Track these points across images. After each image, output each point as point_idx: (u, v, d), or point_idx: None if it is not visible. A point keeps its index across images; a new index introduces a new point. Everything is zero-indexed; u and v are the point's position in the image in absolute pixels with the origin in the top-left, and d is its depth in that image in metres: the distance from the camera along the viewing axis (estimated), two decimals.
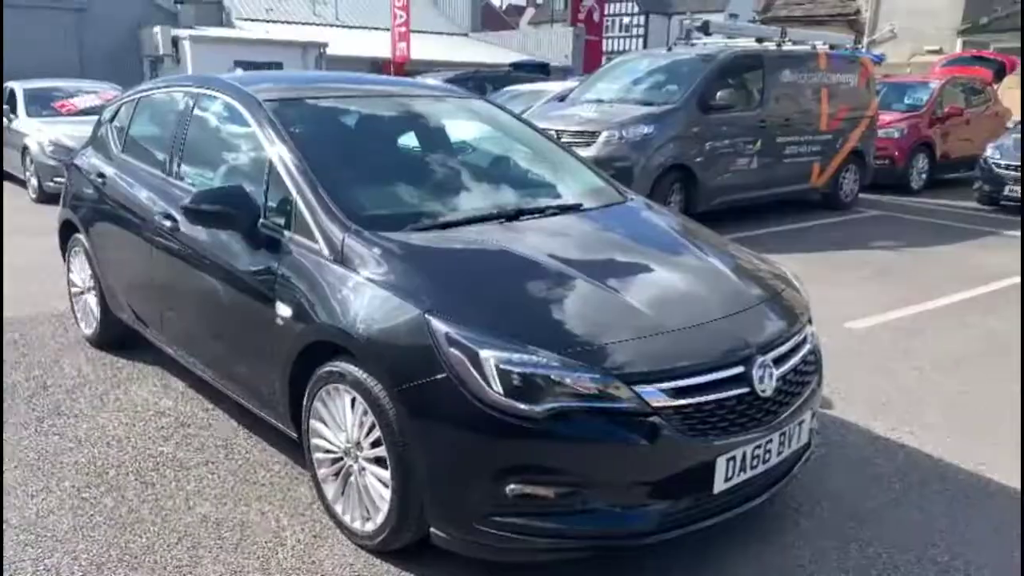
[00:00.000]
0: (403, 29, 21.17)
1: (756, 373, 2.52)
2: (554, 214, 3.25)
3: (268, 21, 29.64)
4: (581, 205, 3.38)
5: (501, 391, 2.29)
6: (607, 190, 3.69)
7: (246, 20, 29.46)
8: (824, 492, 3.21)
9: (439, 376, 2.36)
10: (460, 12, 38.09)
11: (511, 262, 2.78)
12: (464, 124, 3.92)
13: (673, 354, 2.47)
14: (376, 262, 2.68)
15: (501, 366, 2.30)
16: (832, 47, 10.18)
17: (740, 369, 2.51)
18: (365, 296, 2.61)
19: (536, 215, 3.19)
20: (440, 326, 2.40)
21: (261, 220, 3.05)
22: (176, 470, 3.26)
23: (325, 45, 26.66)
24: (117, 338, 4.43)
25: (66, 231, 4.62)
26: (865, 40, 21.38)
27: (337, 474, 2.80)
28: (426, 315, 2.44)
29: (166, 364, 4.22)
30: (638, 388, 2.34)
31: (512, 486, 2.34)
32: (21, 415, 3.72)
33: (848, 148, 10.15)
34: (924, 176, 12.05)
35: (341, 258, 2.75)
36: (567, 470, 2.34)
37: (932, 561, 2.77)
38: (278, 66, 24.97)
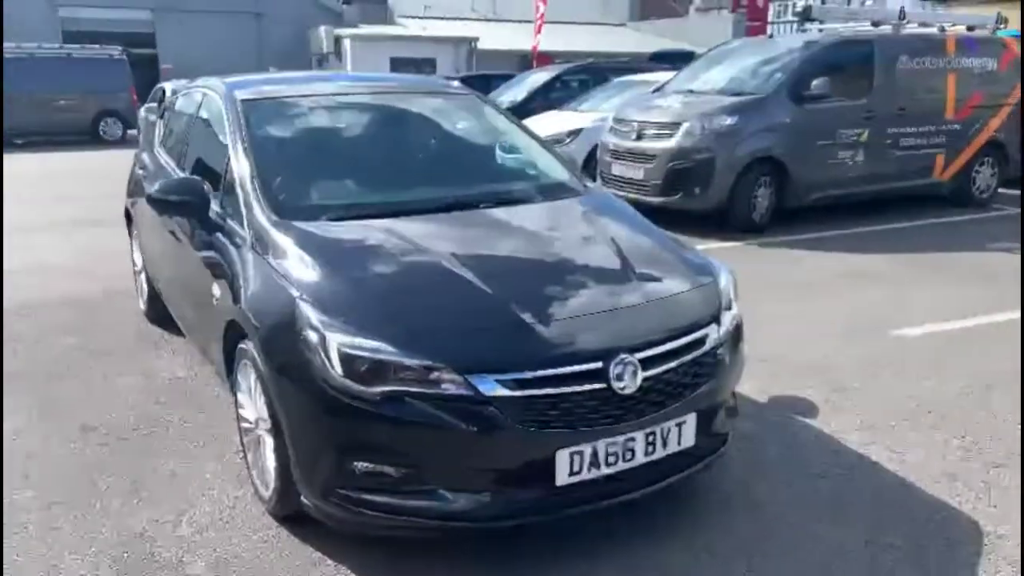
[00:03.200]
0: (539, 21, 21.36)
1: (614, 370, 2.50)
2: (488, 207, 3.33)
3: (427, 18, 30.85)
4: (522, 199, 3.45)
5: (341, 372, 2.44)
6: (567, 184, 3.72)
7: (407, 17, 30.84)
8: (750, 498, 3.10)
9: (301, 358, 2.54)
10: (619, 1, 37.84)
11: (397, 254, 2.90)
12: (439, 121, 4.05)
13: (518, 347, 2.50)
14: (278, 249, 2.90)
15: (342, 349, 2.45)
16: (969, 28, 9.34)
17: (597, 365, 2.50)
18: (262, 280, 2.84)
19: (467, 208, 3.28)
20: (305, 311, 2.58)
21: (215, 208, 3.35)
22: (156, 427, 3.66)
23: (476, 40, 27.48)
24: (161, 312, 4.93)
25: (127, 217, 5.22)
26: None
27: (253, 443, 3.05)
28: (297, 300, 2.63)
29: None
30: (472, 377, 2.40)
31: (359, 463, 2.48)
32: (53, 374, 4.31)
33: (983, 138, 9.26)
34: None
35: (255, 244, 2.99)
36: (403, 452, 2.46)
37: None
38: (431, 62, 26.09)
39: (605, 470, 2.53)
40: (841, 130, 8.31)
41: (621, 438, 2.53)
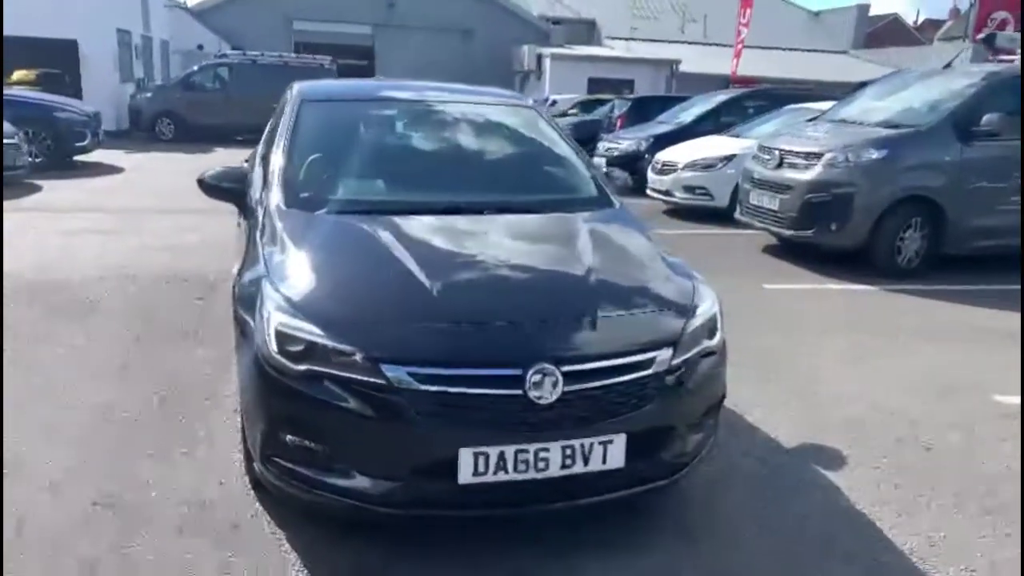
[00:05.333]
0: (739, 46, 20.82)
1: (531, 379, 2.49)
2: (491, 213, 3.40)
3: (634, 39, 30.90)
4: (531, 209, 3.49)
5: (276, 349, 2.62)
6: (589, 199, 3.73)
7: (614, 38, 31.09)
8: (714, 536, 2.94)
9: (256, 333, 2.74)
10: (844, 29, 35.94)
11: (364, 247, 3.06)
12: (481, 130, 4.13)
13: (436, 343, 2.56)
14: (270, 233, 3.16)
15: (279, 328, 2.63)
16: None
17: (516, 371, 2.50)
18: (253, 260, 3.10)
19: (468, 213, 3.38)
20: (266, 290, 2.80)
21: (252, 195, 3.69)
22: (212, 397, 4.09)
23: (677, 62, 27.16)
24: None
25: None
26: None
27: None
28: (263, 279, 2.86)
29: None
30: (385, 366, 2.49)
31: (288, 436, 2.64)
32: (150, 340, 4.91)
33: None
34: None
35: (263, 228, 3.27)
36: (320, 429, 2.59)
37: None
38: (628, 83, 26.14)
39: (513, 475, 2.52)
40: (1018, 172, 7.42)
41: (533, 446, 2.51)
